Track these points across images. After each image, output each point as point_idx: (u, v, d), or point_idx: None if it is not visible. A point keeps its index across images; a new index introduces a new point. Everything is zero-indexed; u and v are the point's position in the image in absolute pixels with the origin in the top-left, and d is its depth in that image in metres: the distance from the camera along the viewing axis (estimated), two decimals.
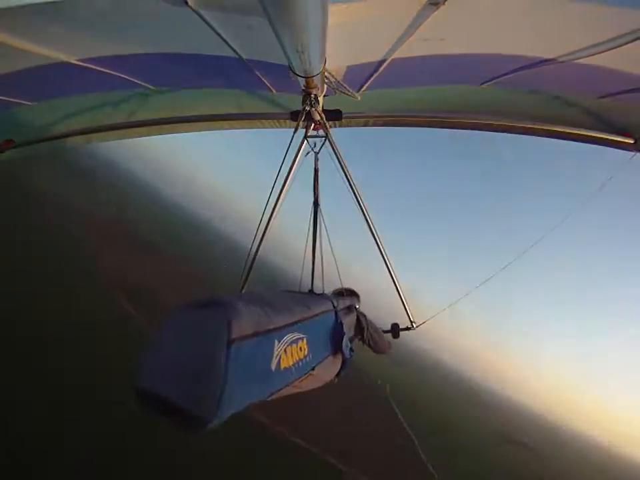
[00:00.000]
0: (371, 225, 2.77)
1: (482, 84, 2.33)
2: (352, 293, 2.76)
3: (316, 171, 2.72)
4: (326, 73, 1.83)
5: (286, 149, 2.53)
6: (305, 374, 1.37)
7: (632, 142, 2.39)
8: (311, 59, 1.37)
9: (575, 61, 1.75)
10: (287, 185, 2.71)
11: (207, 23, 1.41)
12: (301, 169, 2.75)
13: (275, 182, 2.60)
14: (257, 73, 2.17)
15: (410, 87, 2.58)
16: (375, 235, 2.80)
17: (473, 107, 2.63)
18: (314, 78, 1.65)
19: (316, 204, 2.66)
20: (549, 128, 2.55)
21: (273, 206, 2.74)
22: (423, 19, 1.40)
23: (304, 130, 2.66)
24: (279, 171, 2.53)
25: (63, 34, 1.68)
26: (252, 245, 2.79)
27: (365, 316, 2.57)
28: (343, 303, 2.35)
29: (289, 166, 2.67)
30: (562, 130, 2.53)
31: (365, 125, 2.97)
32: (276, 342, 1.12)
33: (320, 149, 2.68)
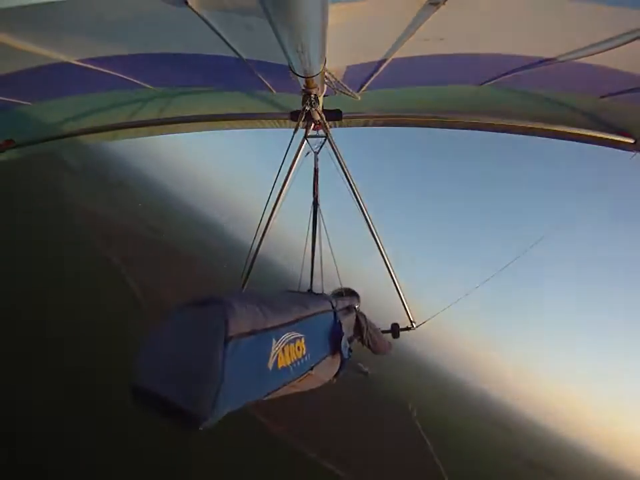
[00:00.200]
0: (371, 225, 2.77)
1: (482, 84, 2.32)
2: (352, 293, 2.76)
3: (316, 170, 2.72)
4: (326, 73, 1.83)
5: (286, 149, 2.53)
6: (303, 374, 1.36)
7: (632, 142, 2.38)
8: (311, 59, 1.37)
9: (575, 61, 1.75)
10: (287, 184, 2.71)
11: (207, 23, 1.41)
12: (301, 169, 2.75)
13: (275, 182, 2.60)
14: (257, 73, 2.17)
15: (410, 87, 2.57)
16: (375, 235, 2.80)
17: (473, 107, 2.63)
18: (314, 78, 1.65)
19: (315, 204, 2.66)
20: (549, 128, 2.55)
21: (273, 206, 2.74)
22: (423, 19, 1.40)
23: (304, 130, 2.66)
24: (279, 171, 2.53)
25: (63, 34, 1.69)
26: (252, 245, 2.79)
27: (364, 316, 2.57)
28: (342, 303, 2.35)
29: (289, 166, 2.67)
30: (562, 130, 2.53)
31: (365, 125, 2.97)
32: (273, 341, 1.12)
33: (320, 149, 2.68)
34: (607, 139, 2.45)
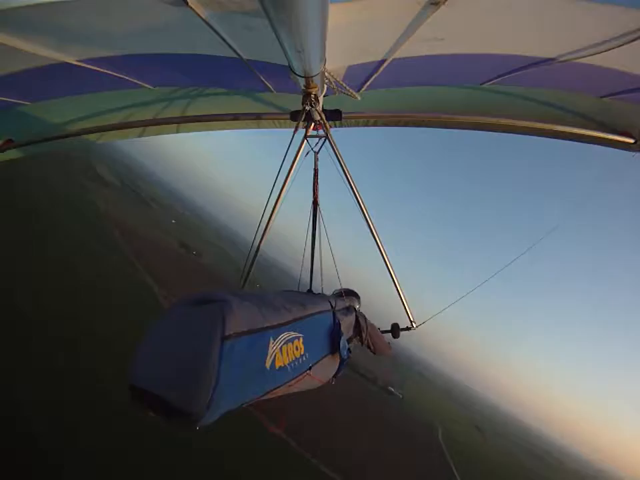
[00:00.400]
0: (371, 225, 2.76)
1: (482, 84, 2.32)
2: (352, 294, 2.76)
3: (316, 170, 2.71)
4: (326, 73, 1.83)
5: (286, 149, 2.52)
6: (302, 373, 1.36)
7: (632, 142, 2.38)
8: (311, 59, 1.37)
9: (575, 61, 1.75)
10: (287, 184, 2.71)
11: (207, 23, 1.40)
12: (301, 169, 2.75)
13: (275, 182, 2.60)
14: (257, 73, 2.17)
15: (410, 87, 2.57)
16: (375, 235, 2.80)
17: (473, 107, 2.63)
18: (314, 78, 1.65)
19: (315, 204, 2.65)
20: (549, 128, 2.55)
21: (273, 206, 2.74)
22: (423, 19, 1.40)
23: (304, 130, 2.66)
24: (279, 171, 2.53)
25: (63, 34, 1.68)
26: (252, 245, 2.79)
27: (364, 317, 2.57)
28: (341, 304, 2.35)
29: (289, 166, 2.67)
30: (562, 130, 2.52)
31: (365, 125, 2.97)
32: (271, 340, 1.11)
33: (320, 149, 2.67)
34: (607, 138, 2.45)
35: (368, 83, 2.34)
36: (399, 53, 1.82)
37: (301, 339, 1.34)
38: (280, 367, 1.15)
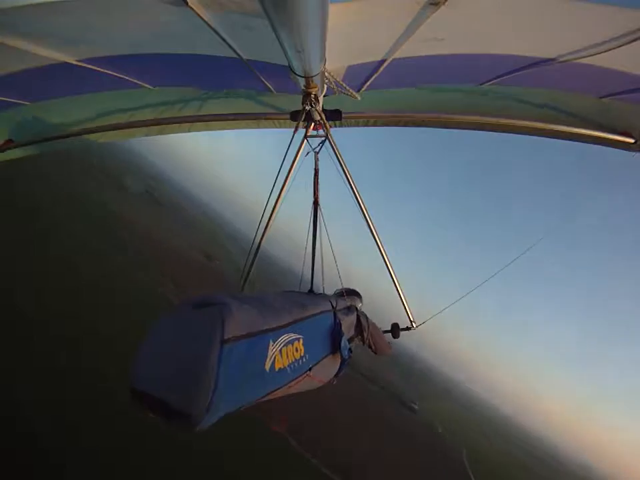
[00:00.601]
0: (371, 225, 2.77)
1: (482, 84, 2.32)
2: (353, 294, 2.75)
3: (316, 170, 2.71)
4: (326, 73, 1.83)
5: (286, 149, 2.53)
6: (302, 375, 1.36)
7: (632, 142, 2.38)
8: (311, 59, 1.37)
9: (575, 61, 1.74)
10: (287, 185, 2.71)
11: (207, 23, 1.40)
12: (301, 169, 2.75)
13: (275, 182, 2.60)
14: (257, 73, 2.17)
15: (410, 87, 2.57)
16: (375, 235, 2.80)
17: (473, 107, 2.63)
18: (314, 78, 1.65)
19: (316, 204, 2.66)
20: (549, 128, 2.55)
21: (273, 206, 2.74)
22: (423, 19, 1.40)
23: (304, 130, 2.66)
24: (279, 171, 2.53)
25: (63, 34, 1.69)
26: (252, 245, 2.79)
27: (366, 317, 2.57)
28: (342, 304, 2.34)
29: (289, 166, 2.67)
30: (562, 130, 2.52)
31: (365, 125, 2.97)
32: (271, 342, 1.12)
33: (320, 149, 2.68)
34: (607, 138, 2.45)
35: (368, 83, 2.34)
36: (399, 53, 1.82)
37: (301, 340, 1.34)
38: (280, 369, 1.15)
